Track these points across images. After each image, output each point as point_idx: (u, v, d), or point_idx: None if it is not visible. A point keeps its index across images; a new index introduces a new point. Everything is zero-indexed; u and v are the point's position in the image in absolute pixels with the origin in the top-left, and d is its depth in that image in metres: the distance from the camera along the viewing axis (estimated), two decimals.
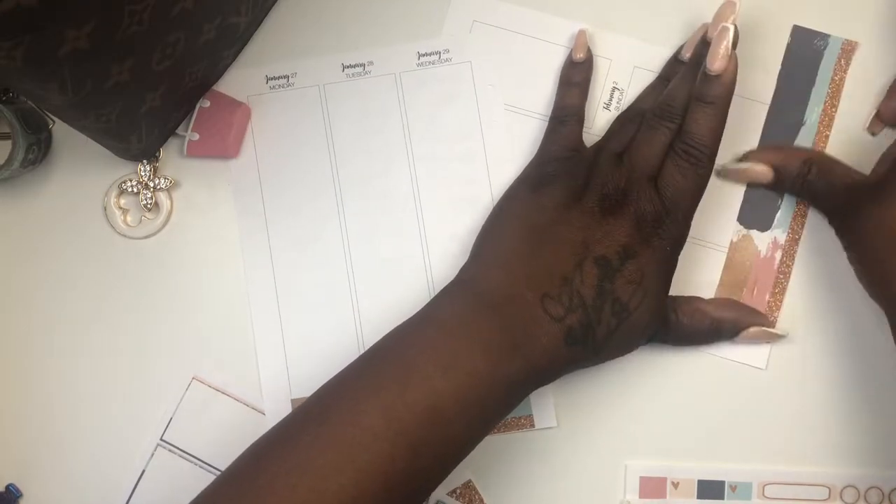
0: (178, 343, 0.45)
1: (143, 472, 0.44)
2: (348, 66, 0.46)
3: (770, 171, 0.44)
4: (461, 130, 0.46)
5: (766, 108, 0.46)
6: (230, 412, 0.45)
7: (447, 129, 0.46)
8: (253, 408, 0.45)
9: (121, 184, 0.46)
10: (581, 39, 0.45)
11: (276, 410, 0.45)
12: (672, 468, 0.45)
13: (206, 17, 0.40)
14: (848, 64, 0.46)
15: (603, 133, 0.45)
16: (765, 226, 0.46)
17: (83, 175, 0.46)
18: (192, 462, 0.44)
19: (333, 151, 0.46)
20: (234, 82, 0.46)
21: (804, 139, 0.46)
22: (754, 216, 0.46)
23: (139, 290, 0.46)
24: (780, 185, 0.44)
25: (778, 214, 0.45)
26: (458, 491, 0.45)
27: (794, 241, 0.45)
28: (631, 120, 0.44)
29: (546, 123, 0.45)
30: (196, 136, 0.45)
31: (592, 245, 0.39)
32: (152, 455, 0.45)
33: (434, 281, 0.45)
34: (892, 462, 0.44)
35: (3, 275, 0.46)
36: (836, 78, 0.46)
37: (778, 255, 0.45)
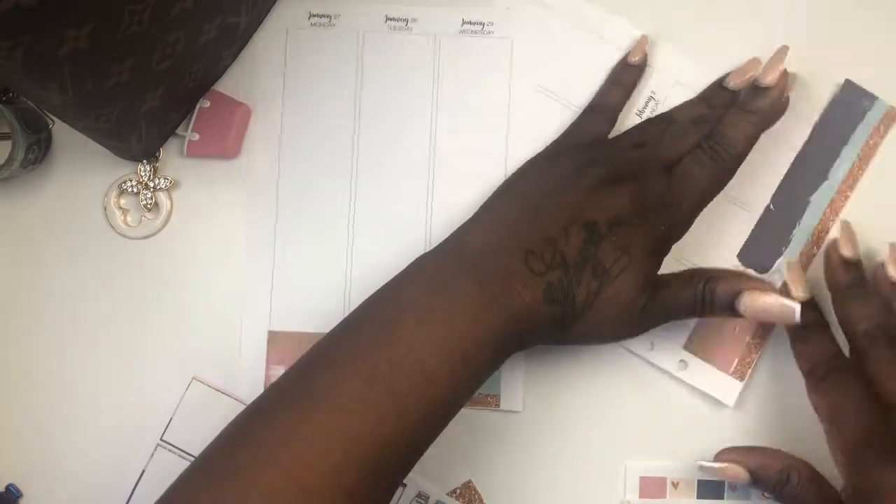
0: (178, 343, 0.45)
1: (143, 472, 0.44)
2: (391, 19, 0.46)
3: (745, 474, 0.42)
4: (489, 105, 0.46)
5: (795, 153, 0.45)
6: (230, 412, 0.44)
7: (476, 100, 0.46)
8: None
9: (121, 184, 0.46)
10: (641, 44, 0.45)
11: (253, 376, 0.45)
12: (672, 468, 0.45)
13: (206, 17, 0.40)
14: (887, 131, 0.45)
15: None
16: (765, 268, 0.45)
17: (83, 175, 0.46)
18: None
19: (359, 101, 0.46)
20: (274, 12, 0.46)
21: (823, 195, 0.45)
22: (756, 256, 0.45)
23: (139, 290, 0.45)
24: (757, 485, 0.42)
25: (779, 260, 0.45)
26: (458, 491, 0.45)
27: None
28: (660, 121, 0.44)
29: (574, 116, 0.45)
30: (196, 137, 0.45)
31: (585, 211, 0.39)
32: (152, 455, 0.45)
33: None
34: None
35: (3, 275, 0.46)
36: (871, 142, 0.45)
37: None
